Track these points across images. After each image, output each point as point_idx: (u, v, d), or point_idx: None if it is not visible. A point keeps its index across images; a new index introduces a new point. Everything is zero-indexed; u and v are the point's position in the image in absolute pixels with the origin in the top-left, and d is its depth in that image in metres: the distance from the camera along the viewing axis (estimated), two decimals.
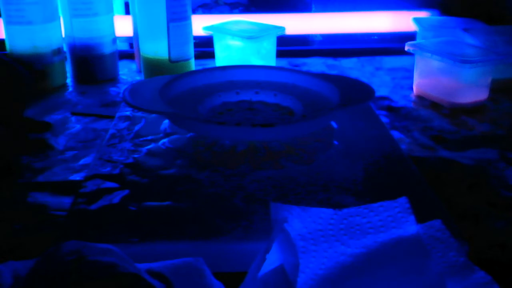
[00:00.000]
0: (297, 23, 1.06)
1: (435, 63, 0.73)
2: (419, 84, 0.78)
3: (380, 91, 0.79)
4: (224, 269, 0.41)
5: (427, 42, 0.77)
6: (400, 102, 0.76)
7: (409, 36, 0.90)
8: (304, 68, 0.90)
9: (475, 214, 0.49)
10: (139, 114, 0.65)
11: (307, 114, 0.59)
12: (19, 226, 0.47)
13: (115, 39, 0.84)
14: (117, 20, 0.85)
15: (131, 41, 0.91)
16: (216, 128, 0.54)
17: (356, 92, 0.60)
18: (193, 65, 0.82)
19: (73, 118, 0.70)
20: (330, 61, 0.95)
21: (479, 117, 0.71)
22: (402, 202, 0.39)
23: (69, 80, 0.84)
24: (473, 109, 0.73)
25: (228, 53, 0.84)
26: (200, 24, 0.86)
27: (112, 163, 0.54)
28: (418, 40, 0.88)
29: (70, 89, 0.81)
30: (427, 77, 0.76)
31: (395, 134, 0.65)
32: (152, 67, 0.79)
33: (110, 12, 0.82)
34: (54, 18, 0.79)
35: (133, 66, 0.91)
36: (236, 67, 0.70)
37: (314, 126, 0.57)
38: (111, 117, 0.68)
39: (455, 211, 0.49)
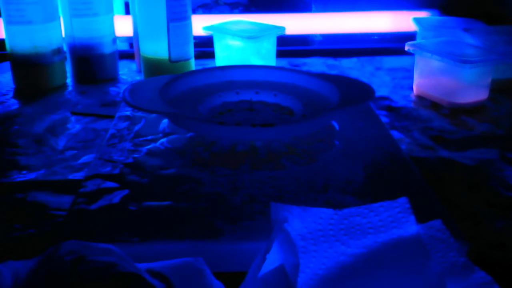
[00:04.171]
0: (297, 23, 1.06)
1: (435, 63, 0.73)
2: (419, 84, 0.78)
3: (380, 91, 0.79)
4: (224, 269, 0.41)
5: (427, 42, 0.77)
6: (400, 102, 0.76)
7: (409, 36, 0.90)
8: (304, 68, 0.90)
9: (475, 214, 0.49)
10: (139, 114, 0.65)
11: (307, 114, 0.59)
12: (19, 226, 0.47)
13: (115, 39, 0.84)
14: (117, 20, 0.85)
15: (131, 41, 0.91)
16: (216, 128, 0.54)
17: (356, 92, 0.60)
18: (193, 65, 0.82)
19: (73, 118, 0.70)
20: (330, 61, 0.95)
21: (479, 117, 0.70)
22: (402, 202, 0.39)
23: (69, 80, 0.84)
24: (473, 109, 0.73)
25: (228, 53, 0.84)
26: (200, 24, 0.86)
27: (112, 163, 0.54)
28: (418, 40, 0.88)
29: (70, 88, 0.81)
30: (427, 77, 0.76)
31: (395, 134, 0.65)
32: (152, 67, 0.79)
33: (110, 12, 0.82)
34: (54, 18, 0.79)
35: (133, 66, 0.91)
36: (236, 67, 0.70)
37: (314, 126, 0.57)
38: (111, 117, 0.68)
39: (455, 211, 0.49)
